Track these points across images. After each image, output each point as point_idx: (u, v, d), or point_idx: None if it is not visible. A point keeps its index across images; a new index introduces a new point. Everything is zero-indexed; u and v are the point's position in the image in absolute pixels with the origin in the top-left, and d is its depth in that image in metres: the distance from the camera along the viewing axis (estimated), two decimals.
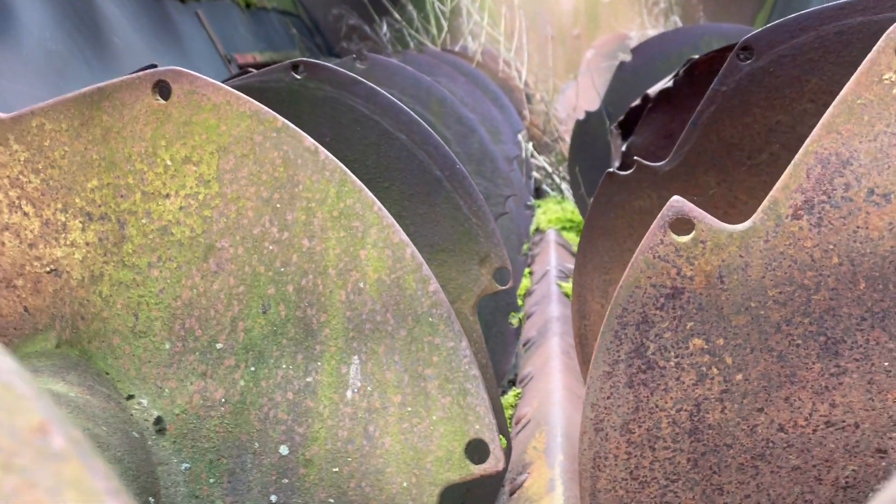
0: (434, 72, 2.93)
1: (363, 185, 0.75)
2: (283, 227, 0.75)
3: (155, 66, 1.44)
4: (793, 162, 0.71)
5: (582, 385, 1.69)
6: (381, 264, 0.74)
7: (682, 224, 0.74)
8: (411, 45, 5.18)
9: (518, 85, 5.15)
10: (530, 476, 1.33)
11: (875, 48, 0.68)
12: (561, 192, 4.45)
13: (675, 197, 0.72)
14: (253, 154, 0.75)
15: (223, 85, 0.74)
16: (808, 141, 0.71)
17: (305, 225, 0.74)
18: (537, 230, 3.84)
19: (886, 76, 0.69)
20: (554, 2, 5.73)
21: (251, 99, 0.75)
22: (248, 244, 0.75)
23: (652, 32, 5.08)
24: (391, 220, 0.74)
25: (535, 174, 4.45)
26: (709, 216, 0.73)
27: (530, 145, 4.68)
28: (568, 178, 3.66)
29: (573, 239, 3.68)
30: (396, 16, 5.02)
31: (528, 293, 2.81)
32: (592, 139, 3.03)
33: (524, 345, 2.24)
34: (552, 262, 2.99)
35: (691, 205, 0.72)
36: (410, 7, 5.17)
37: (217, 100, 0.74)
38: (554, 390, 1.63)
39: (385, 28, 5.23)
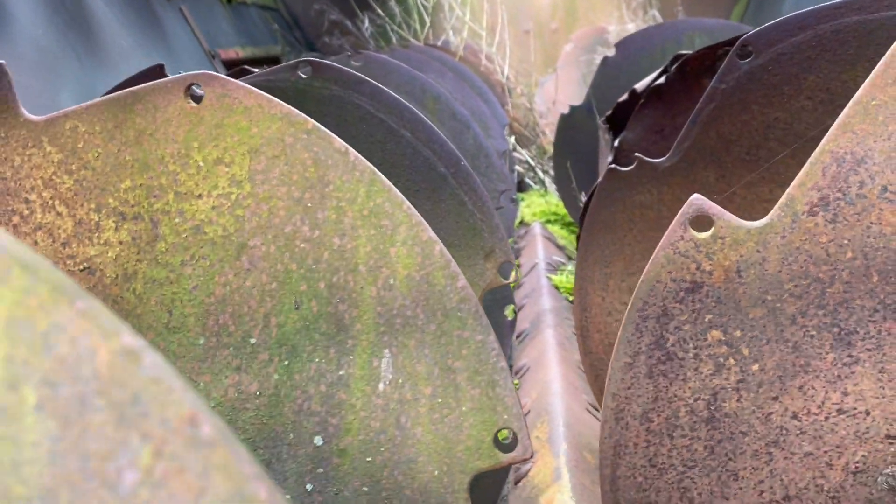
0: (423, 68, 2.94)
1: (392, 185, 0.77)
2: (314, 225, 0.77)
3: (162, 65, 1.45)
4: (809, 160, 0.73)
5: (579, 376, 1.73)
6: (410, 261, 0.76)
7: (702, 221, 0.76)
8: (394, 40, 5.17)
9: (500, 79, 5.17)
10: (535, 465, 1.36)
11: (890, 51, 0.71)
12: (544, 185, 4.48)
13: (696, 195, 0.75)
14: (284, 155, 0.76)
15: (254, 88, 0.76)
16: (824, 140, 0.73)
17: (336, 223, 0.76)
18: (522, 223, 3.88)
19: None
20: None
21: (281, 102, 0.77)
22: (280, 242, 0.77)
23: (630, 26, 5.13)
24: (420, 218, 0.76)
25: (517, 168, 4.49)
26: (727, 213, 0.75)
27: (513, 139, 4.71)
28: (552, 171, 3.70)
29: (558, 231, 3.72)
30: (379, 11, 5.02)
31: (517, 286, 2.85)
32: (578, 133, 3.05)
33: (517, 337, 2.27)
34: (540, 254, 3.02)
35: (710, 202, 0.74)
36: (392, 2, 5.16)
37: (248, 102, 0.75)
38: (552, 381, 1.66)
39: (367, 23, 5.22)
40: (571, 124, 3.13)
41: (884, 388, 0.74)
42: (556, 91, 4.62)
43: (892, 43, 0.76)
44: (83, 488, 0.29)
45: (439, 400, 0.73)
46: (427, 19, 5.04)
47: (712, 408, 0.79)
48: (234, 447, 0.29)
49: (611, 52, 3.21)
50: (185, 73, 0.74)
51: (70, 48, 2.53)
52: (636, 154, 1.19)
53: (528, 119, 5.07)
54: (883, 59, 0.71)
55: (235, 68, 1.72)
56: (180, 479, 0.28)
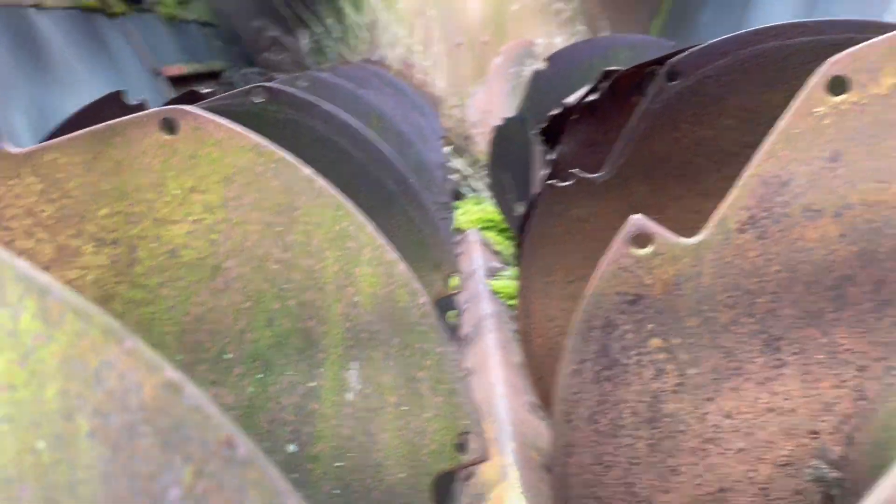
0: (363, 84, 2.96)
1: (356, 209, 0.81)
2: (284, 248, 0.80)
3: (119, 92, 1.44)
4: (739, 182, 0.80)
5: (520, 378, 1.79)
6: (375, 280, 0.80)
7: (642, 238, 0.81)
8: (329, 56, 5.17)
9: (434, 92, 5.24)
10: (483, 463, 1.41)
11: (808, 84, 0.78)
12: (478, 193, 4.56)
13: (635, 215, 0.81)
14: (255, 183, 0.79)
15: (224, 121, 0.78)
16: (751, 164, 0.80)
17: (305, 246, 0.80)
18: (457, 230, 3.94)
19: (817, 110, 0.81)
20: (463, 10, 5.85)
21: (251, 133, 0.80)
22: (252, 264, 0.80)
23: (558, 40, 5.28)
24: (382, 240, 0.80)
25: (452, 176, 4.56)
26: (666, 231, 0.81)
27: (448, 149, 4.78)
28: (488, 180, 3.77)
29: (494, 237, 3.80)
30: (317, 28, 5.01)
31: (457, 291, 2.90)
32: (511, 144, 3.13)
33: (460, 340, 2.33)
34: (478, 260, 3.09)
35: (650, 221, 0.80)
36: (329, 19, 5.16)
37: (219, 135, 0.77)
38: (496, 383, 1.72)
39: (306, 39, 5.21)
40: (505, 135, 3.18)
41: (808, 388, 0.82)
42: (487, 102, 4.72)
43: (807, 67, 0.84)
44: None
45: (404, 408, 0.77)
46: (365, 35, 5.06)
47: (653, 409, 0.85)
48: (267, 466, 0.33)
49: (541, 66, 3.28)
50: (159, 108, 0.76)
51: (20, 69, 2.46)
52: (574, 171, 1.26)
53: (461, 129, 5.14)
54: (803, 91, 0.78)
55: (185, 90, 1.72)
56: (219, 496, 0.32)
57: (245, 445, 0.33)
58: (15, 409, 0.33)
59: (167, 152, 0.76)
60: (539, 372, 1.21)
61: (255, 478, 0.32)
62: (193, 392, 0.33)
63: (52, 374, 0.33)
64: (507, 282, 2.69)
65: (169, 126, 0.76)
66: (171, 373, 0.33)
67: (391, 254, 0.79)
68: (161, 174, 0.77)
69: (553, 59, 3.24)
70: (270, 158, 0.77)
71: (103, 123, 0.73)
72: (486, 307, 2.37)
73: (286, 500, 0.33)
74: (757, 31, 1.14)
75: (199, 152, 0.77)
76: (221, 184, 0.77)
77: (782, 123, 0.79)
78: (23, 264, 0.34)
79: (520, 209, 2.32)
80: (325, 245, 0.78)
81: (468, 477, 1.39)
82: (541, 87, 3.10)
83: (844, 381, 0.80)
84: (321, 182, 0.78)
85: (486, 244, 3.55)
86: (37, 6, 2.35)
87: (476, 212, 4.14)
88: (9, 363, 0.33)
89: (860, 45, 0.76)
